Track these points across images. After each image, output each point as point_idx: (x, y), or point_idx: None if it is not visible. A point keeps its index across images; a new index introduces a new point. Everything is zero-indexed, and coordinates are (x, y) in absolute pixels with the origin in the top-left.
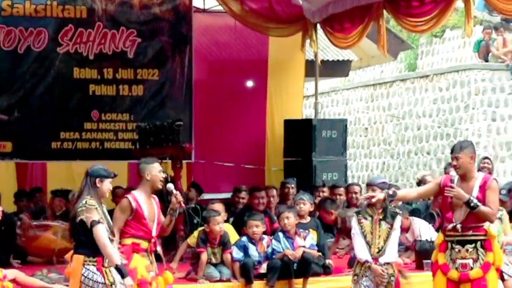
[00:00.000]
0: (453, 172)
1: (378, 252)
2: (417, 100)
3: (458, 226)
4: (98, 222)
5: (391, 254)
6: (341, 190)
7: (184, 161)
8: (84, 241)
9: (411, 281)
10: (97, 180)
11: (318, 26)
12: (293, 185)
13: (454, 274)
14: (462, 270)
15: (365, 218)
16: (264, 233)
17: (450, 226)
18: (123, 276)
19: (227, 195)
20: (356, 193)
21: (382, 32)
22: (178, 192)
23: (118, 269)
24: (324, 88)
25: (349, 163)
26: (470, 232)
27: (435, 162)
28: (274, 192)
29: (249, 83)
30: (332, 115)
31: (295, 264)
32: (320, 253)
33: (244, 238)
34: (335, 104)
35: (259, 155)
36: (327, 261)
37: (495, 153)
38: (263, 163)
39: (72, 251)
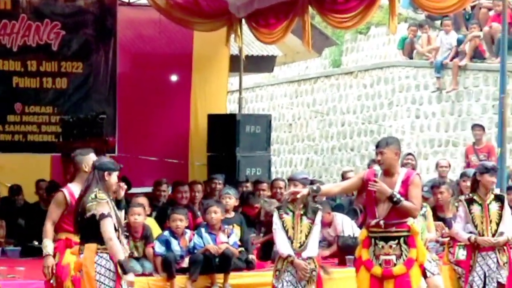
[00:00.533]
0: (376, 167)
1: (300, 247)
2: (341, 97)
3: (381, 222)
4: (107, 215)
5: (313, 248)
6: (265, 185)
7: (107, 155)
8: (95, 233)
9: (334, 276)
10: (106, 173)
11: (243, 21)
12: (220, 181)
13: (377, 270)
14: (385, 266)
15: (286, 213)
16: (187, 227)
17: (373, 222)
18: (124, 272)
19: (150, 189)
20: (280, 188)
21: (307, 28)
22: None
23: (120, 264)
24: (249, 83)
25: (273, 159)
26: (393, 228)
27: (359, 159)
28: (199, 187)
29: (174, 77)
30: (256, 111)
31: (217, 259)
32: (242, 249)
33: (166, 233)
34: (260, 100)
35: (183, 150)
36: (250, 256)
37: (419, 150)
38: (186, 158)
39: (77, 247)
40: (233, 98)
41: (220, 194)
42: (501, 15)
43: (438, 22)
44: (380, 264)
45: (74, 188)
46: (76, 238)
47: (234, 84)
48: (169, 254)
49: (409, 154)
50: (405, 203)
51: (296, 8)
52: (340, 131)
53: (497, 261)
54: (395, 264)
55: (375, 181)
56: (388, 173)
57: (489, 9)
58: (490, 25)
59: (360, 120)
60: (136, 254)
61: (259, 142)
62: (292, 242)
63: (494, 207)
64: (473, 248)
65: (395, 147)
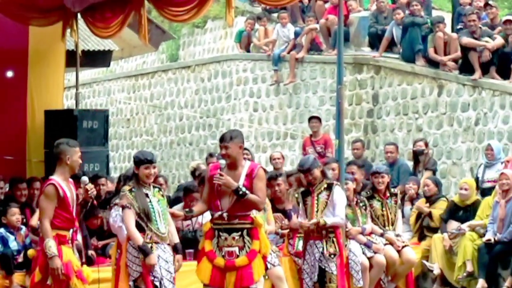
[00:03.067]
0: (221, 160)
1: None
2: (179, 91)
3: (225, 214)
4: (125, 206)
5: None
6: (103, 180)
7: None
8: None
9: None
10: (135, 167)
11: (79, 15)
12: None
13: (220, 261)
14: (228, 257)
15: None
16: (24, 224)
17: (217, 214)
18: (146, 255)
19: None
20: None
21: (143, 22)
22: (92, 185)
23: (141, 249)
24: (86, 78)
25: (111, 154)
26: (237, 221)
27: (198, 153)
28: (38, 184)
29: (9, 73)
30: (93, 106)
31: None
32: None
33: (2, 230)
34: (97, 95)
35: (20, 146)
36: (89, 252)
37: (257, 143)
38: (23, 154)
39: None
40: (70, 94)
41: None
42: (337, 7)
43: (275, 15)
44: (223, 256)
45: (59, 181)
46: (67, 233)
47: (71, 79)
48: (6, 250)
49: (245, 149)
50: (250, 196)
51: (132, 2)
52: (179, 126)
53: (322, 250)
54: (238, 256)
55: (220, 174)
56: (232, 166)
57: (325, 1)
58: (326, 17)
59: (198, 114)
60: None
61: (97, 138)
62: None
63: (323, 196)
64: (305, 237)
65: (239, 141)
